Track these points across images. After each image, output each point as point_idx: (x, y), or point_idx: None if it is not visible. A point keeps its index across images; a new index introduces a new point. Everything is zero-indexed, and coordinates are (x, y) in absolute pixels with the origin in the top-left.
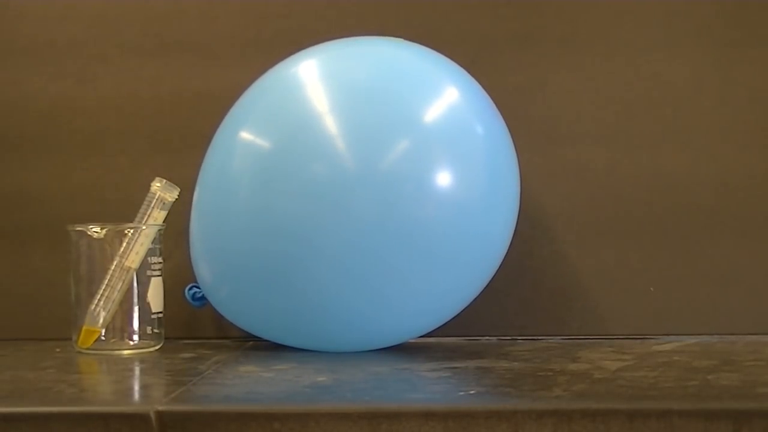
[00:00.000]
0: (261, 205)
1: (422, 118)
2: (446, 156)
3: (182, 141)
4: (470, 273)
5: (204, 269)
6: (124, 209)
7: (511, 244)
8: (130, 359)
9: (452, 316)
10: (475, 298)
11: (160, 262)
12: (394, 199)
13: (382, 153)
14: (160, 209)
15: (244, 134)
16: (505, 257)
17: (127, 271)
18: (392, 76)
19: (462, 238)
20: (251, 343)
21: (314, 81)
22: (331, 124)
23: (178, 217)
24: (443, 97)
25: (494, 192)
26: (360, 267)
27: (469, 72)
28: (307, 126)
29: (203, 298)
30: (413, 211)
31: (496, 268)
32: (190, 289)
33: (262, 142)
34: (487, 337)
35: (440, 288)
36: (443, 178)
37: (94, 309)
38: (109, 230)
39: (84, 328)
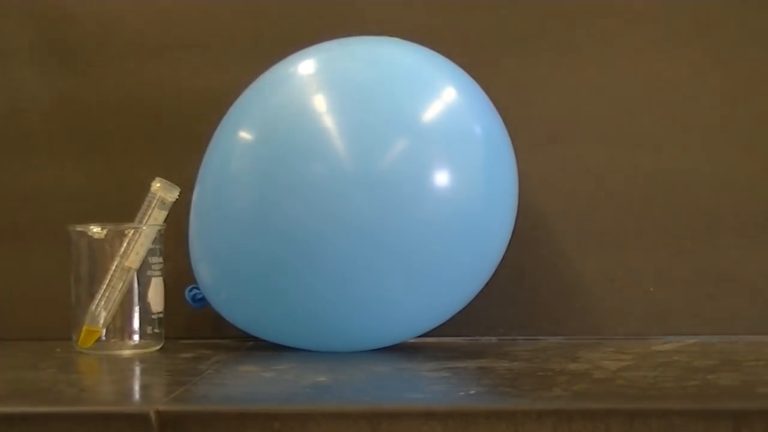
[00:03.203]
0: (258, 206)
1: (420, 119)
2: (444, 156)
3: (182, 141)
4: (468, 273)
5: (203, 271)
6: (124, 209)
7: (511, 244)
8: (130, 359)
9: (451, 315)
10: (475, 298)
11: (161, 262)
12: (392, 198)
13: (381, 153)
14: (160, 209)
15: (243, 135)
16: (505, 257)
17: (128, 271)
18: (391, 76)
19: (460, 238)
20: (251, 343)
21: (312, 81)
22: (328, 124)
23: (179, 217)
24: (441, 97)
25: (492, 192)
26: (358, 266)
27: (469, 72)
28: (305, 126)
29: (203, 299)
30: (411, 210)
31: (495, 268)
32: (191, 290)
33: (260, 143)
34: (487, 337)
35: (438, 288)
36: (441, 179)
37: (95, 309)
38: (109, 230)
39: (84, 328)
